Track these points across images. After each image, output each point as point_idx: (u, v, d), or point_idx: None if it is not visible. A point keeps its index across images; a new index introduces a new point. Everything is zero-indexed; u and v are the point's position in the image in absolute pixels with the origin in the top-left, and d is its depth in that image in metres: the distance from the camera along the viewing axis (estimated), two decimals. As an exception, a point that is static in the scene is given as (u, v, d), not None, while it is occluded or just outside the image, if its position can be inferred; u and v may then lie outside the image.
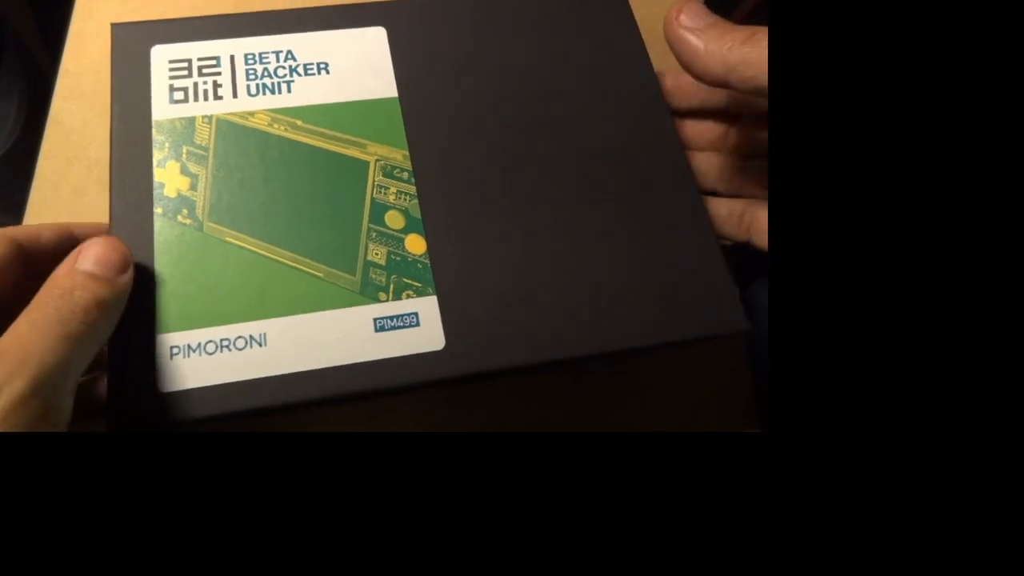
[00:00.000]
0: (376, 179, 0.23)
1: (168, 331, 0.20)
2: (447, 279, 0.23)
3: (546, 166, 0.25)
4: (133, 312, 0.20)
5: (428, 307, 0.22)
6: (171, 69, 0.23)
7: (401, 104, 0.24)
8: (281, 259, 0.22)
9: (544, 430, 0.27)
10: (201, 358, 0.20)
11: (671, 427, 0.27)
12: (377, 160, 0.24)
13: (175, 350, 0.20)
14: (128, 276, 0.20)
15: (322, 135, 0.23)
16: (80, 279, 0.19)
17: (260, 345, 0.21)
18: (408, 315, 0.22)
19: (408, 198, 0.23)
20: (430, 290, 0.22)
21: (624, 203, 0.24)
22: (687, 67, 0.23)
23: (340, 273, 0.22)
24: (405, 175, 0.24)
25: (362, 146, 0.24)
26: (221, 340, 0.21)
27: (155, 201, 0.21)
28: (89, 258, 0.19)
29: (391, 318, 0.22)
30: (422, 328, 0.22)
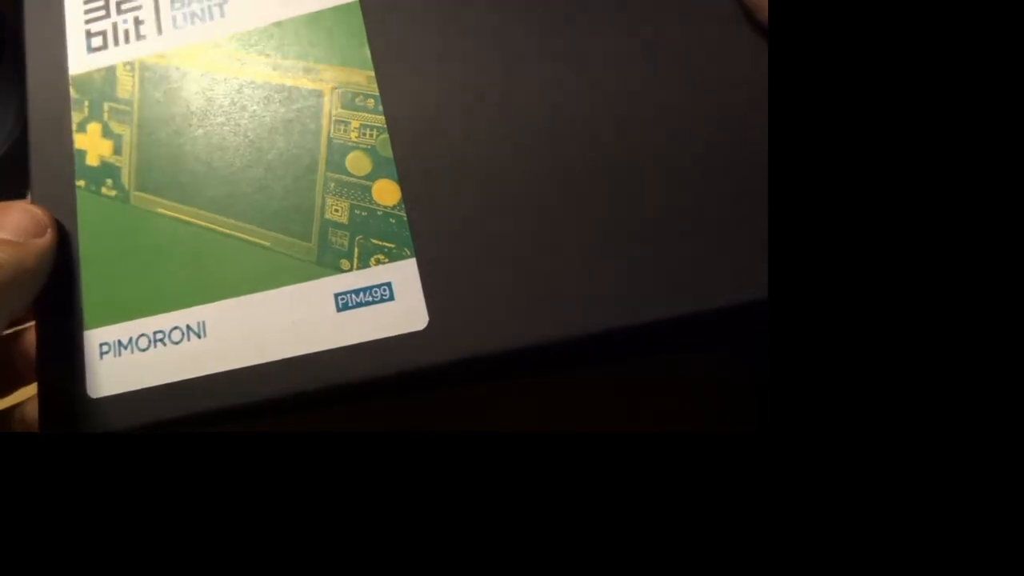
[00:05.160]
0: (333, 112, 0.18)
1: (96, 326, 0.17)
2: (429, 236, 0.17)
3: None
4: (59, 306, 0.17)
5: (405, 274, 0.17)
6: (87, 11, 0.19)
7: (363, 8, 0.19)
8: (220, 228, 0.18)
9: (541, 429, 0.23)
10: (134, 356, 0.17)
11: (671, 427, 0.24)
12: (334, 88, 0.18)
13: (104, 348, 0.17)
14: (45, 241, 0.17)
15: (265, 64, 0.19)
16: None
17: (198, 336, 0.17)
18: (379, 287, 0.17)
19: (375, 133, 0.18)
20: (407, 251, 0.17)
21: (666, 143, 0.17)
22: (748, 14, 0.18)
23: (292, 240, 0.18)
24: (371, 103, 0.18)
25: (314, 72, 0.18)
26: (155, 333, 0.17)
27: (77, 173, 0.18)
28: None
29: (357, 292, 0.17)
30: (397, 302, 0.17)
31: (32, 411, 0.20)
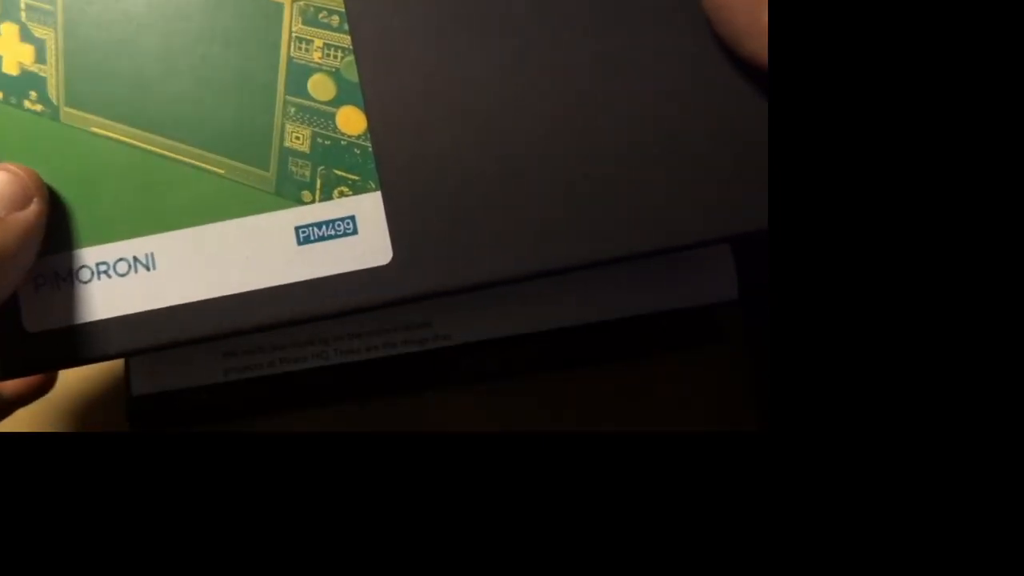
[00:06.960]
0: (294, 28, 0.17)
1: (29, 255, 0.16)
2: (395, 168, 0.17)
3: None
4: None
5: (369, 207, 0.16)
6: None
7: (323, -88, 0.17)
8: (167, 152, 0.16)
9: (539, 430, 0.24)
10: (73, 287, 0.16)
11: (671, 427, 0.25)
12: (295, 1, 0.17)
13: (40, 280, 0.16)
14: (29, 213, 0.15)
15: (213, -30, 0.17)
16: None
17: (147, 268, 0.16)
18: (342, 220, 0.16)
19: (340, 54, 0.17)
20: (371, 184, 0.16)
21: (654, 66, 0.17)
22: (729, 47, 0.17)
23: (247, 168, 0.16)
24: (335, 20, 0.17)
25: (270, -18, 0.17)
26: (97, 264, 0.16)
27: (-9, 82, 0.16)
28: None
29: (319, 225, 0.16)
30: (361, 236, 0.16)
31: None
